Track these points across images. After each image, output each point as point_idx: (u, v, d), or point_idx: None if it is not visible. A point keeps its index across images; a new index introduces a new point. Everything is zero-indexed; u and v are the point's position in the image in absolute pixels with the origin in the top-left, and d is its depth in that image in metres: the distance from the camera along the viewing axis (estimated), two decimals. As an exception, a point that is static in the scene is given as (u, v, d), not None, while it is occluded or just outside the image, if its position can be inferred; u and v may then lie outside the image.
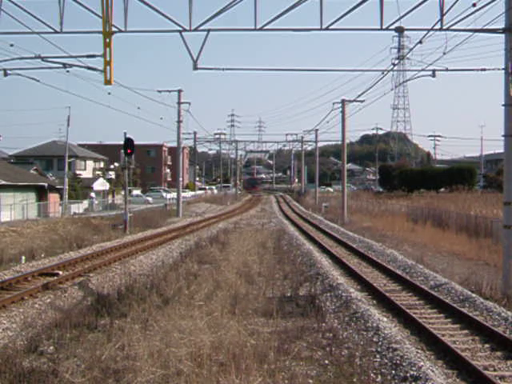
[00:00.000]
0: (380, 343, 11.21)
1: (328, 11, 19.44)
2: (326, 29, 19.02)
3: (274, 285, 17.16)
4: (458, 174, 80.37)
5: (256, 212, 63.52)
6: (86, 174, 75.69)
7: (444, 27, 18.57)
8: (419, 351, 10.82)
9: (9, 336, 12.79)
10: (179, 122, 52.89)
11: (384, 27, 19.03)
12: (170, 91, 51.07)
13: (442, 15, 18.46)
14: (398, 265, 21.73)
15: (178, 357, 9.09)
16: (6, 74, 23.93)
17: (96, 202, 65.31)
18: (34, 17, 19.55)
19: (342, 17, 19.00)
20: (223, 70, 24.11)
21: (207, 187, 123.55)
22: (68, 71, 23.89)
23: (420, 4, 18.86)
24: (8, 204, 44.67)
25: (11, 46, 21.79)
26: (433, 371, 9.51)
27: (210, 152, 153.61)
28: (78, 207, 58.50)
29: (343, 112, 48.28)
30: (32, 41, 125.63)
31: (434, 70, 25.91)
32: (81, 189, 64.93)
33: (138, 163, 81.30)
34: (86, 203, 62.63)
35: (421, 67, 25.19)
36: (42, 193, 51.48)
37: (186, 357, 9.12)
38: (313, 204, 73.32)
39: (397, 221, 40.59)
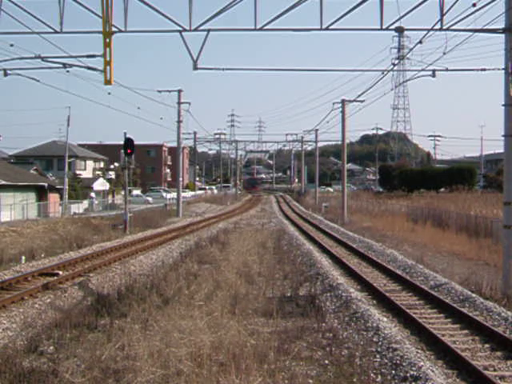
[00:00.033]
0: (380, 343, 11.21)
1: (328, 11, 19.49)
2: (326, 29, 19.03)
3: (273, 285, 17.15)
4: (458, 174, 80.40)
5: (256, 212, 63.51)
6: (86, 174, 75.70)
7: (444, 27, 18.57)
8: (419, 351, 10.82)
9: (9, 336, 12.79)
10: (179, 122, 52.91)
11: (384, 27, 19.04)
12: (169, 91, 51.14)
13: (442, 15, 18.47)
14: (398, 265, 21.73)
15: (177, 357, 9.09)
16: (5, 74, 23.94)
17: (96, 202, 65.31)
18: (34, 17, 19.60)
19: (342, 17, 19.02)
20: (223, 69, 24.15)
21: (207, 187, 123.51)
22: (68, 71, 23.92)
23: (420, 4, 18.88)
24: (8, 204, 44.68)
25: (11, 46, 21.81)
26: (433, 371, 9.51)
27: (210, 152, 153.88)
28: (78, 207, 58.50)
29: (343, 112, 48.29)
30: (32, 41, 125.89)
31: (433, 70, 25.93)
32: (81, 189, 64.93)
33: (138, 163, 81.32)
34: (85, 203, 62.63)
35: (421, 67, 25.24)
36: (41, 193, 51.49)
37: (185, 357, 9.12)
38: (313, 204, 73.30)
39: (397, 221, 40.59)
